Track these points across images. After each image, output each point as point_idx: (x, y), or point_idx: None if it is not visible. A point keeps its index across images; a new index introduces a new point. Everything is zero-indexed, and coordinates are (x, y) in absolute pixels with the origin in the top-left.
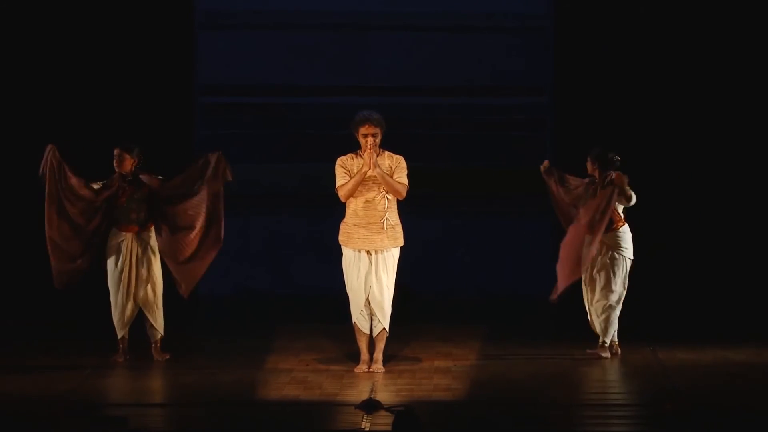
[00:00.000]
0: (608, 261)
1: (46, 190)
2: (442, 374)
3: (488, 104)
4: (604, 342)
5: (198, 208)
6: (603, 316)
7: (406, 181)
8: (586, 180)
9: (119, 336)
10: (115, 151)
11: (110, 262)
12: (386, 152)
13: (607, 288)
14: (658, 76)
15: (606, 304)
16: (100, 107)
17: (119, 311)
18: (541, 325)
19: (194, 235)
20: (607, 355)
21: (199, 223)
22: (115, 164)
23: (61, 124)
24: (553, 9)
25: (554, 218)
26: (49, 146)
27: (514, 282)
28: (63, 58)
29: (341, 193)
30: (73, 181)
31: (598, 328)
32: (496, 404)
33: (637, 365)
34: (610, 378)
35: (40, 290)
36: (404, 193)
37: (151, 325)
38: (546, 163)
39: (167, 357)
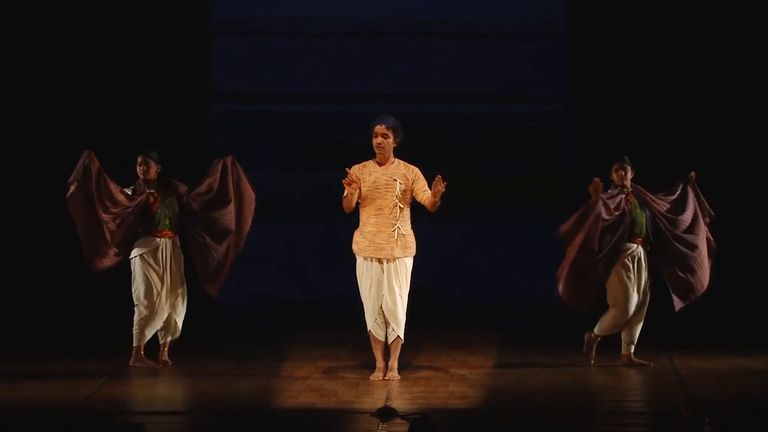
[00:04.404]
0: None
1: (80, 193)
2: (457, 382)
3: (504, 111)
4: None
5: (231, 215)
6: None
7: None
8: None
9: (144, 342)
10: (140, 158)
11: (144, 268)
12: (401, 162)
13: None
14: (674, 82)
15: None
16: (116, 114)
17: (155, 316)
18: (558, 332)
19: (229, 239)
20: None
21: (234, 228)
22: (140, 171)
23: (77, 130)
24: (569, 16)
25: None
26: (86, 152)
27: (530, 289)
28: (80, 65)
29: (343, 205)
30: (111, 186)
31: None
32: (512, 412)
33: (653, 373)
34: (626, 386)
35: (58, 297)
36: None
37: (170, 327)
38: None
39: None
